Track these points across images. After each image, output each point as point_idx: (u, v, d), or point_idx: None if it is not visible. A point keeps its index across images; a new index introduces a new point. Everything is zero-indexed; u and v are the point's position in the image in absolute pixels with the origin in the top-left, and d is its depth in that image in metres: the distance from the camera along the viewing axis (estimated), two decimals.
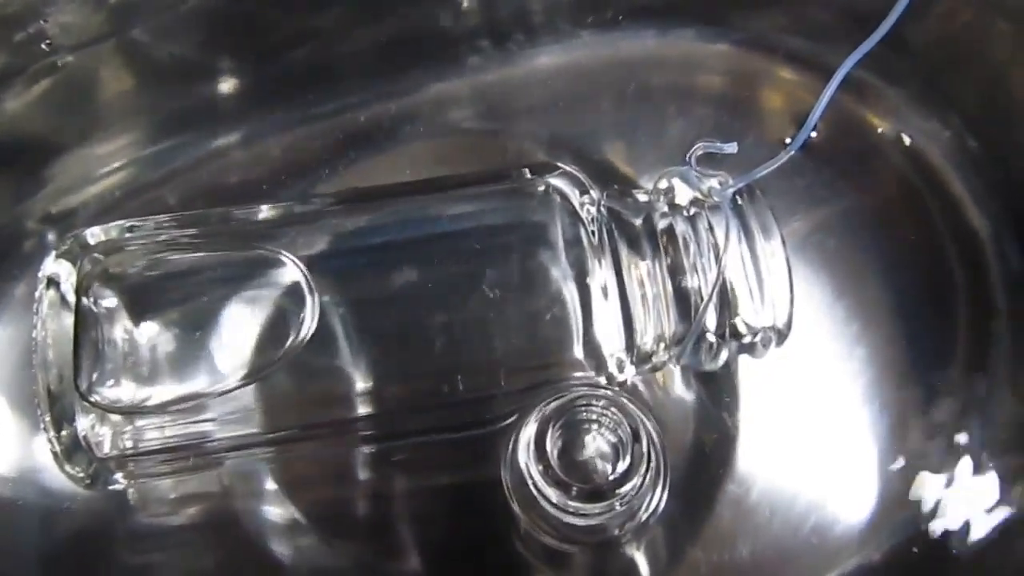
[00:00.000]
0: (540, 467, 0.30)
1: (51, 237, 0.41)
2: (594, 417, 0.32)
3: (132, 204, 0.42)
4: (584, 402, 0.31)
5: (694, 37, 0.44)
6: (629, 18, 0.44)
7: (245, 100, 0.43)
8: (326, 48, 0.44)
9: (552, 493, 0.30)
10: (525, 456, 0.31)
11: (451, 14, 0.43)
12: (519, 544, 0.36)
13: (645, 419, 0.31)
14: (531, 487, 0.31)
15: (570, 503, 0.30)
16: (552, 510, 0.31)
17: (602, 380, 0.34)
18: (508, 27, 0.44)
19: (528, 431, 0.31)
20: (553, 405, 0.31)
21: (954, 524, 0.37)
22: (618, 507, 0.30)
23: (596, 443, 0.33)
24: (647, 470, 0.30)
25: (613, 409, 0.31)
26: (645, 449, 0.30)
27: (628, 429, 0.31)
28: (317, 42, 0.43)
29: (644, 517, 0.31)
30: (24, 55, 0.39)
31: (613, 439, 0.32)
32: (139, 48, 0.41)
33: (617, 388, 0.34)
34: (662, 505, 0.31)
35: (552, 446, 0.31)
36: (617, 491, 0.30)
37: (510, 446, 0.32)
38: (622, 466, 0.30)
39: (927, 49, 0.42)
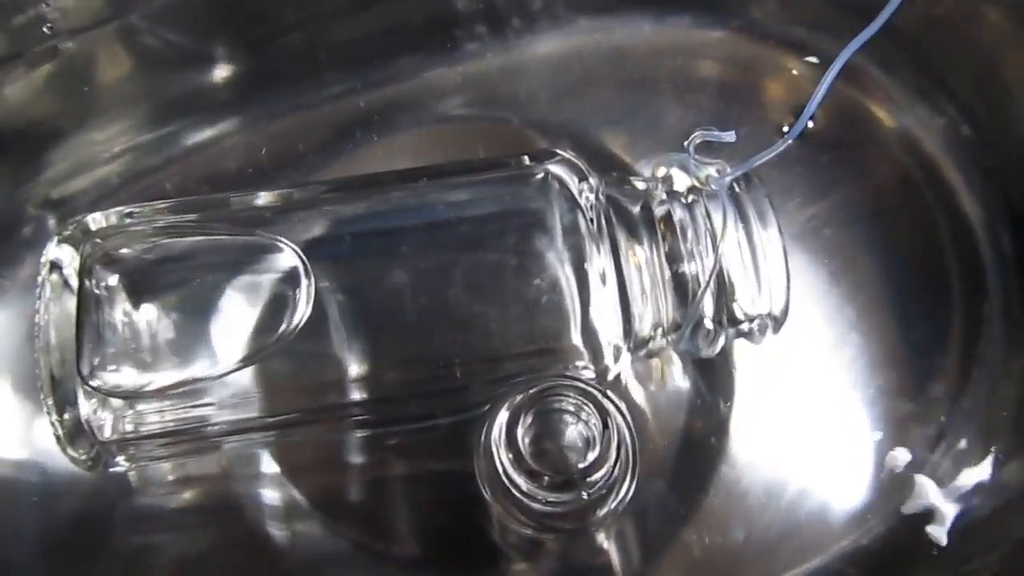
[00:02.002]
0: (510, 455, 0.31)
1: (51, 222, 0.41)
2: (565, 407, 0.32)
3: (131, 189, 0.42)
4: (555, 392, 0.32)
5: (691, 24, 0.44)
6: (627, 4, 0.44)
7: (243, 86, 0.44)
8: (324, 34, 0.44)
9: (522, 481, 0.31)
10: (496, 445, 0.31)
11: (449, 0, 0.43)
12: (494, 532, 0.37)
13: (616, 409, 0.31)
14: (501, 475, 0.31)
15: (539, 491, 0.31)
16: (522, 498, 0.31)
17: (590, 374, 0.34)
18: (506, 13, 0.44)
19: (500, 420, 0.31)
20: (524, 395, 0.31)
21: (945, 507, 0.37)
22: (586, 496, 0.31)
23: (567, 433, 0.34)
24: (617, 460, 0.31)
25: (583, 399, 0.32)
26: (615, 439, 0.31)
27: (598, 419, 0.31)
28: (315, 28, 0.43)
29: (613, 506, 0.32)
30: (24, 39, 0.39)
31: (584, 429, 0.33)
32: (138, 33, 0.41)
33: (594, 380, 0.34)
34: (631, 494, 0.32)
35: (523, 435, 0.31)
36: (587, 479, 0.31)
37: (482, 435, 0.32)
38: (592, 455, 0.31)
39: (921, 37, 0.42)
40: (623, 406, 0.32)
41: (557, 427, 0.33)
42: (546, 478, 0.31)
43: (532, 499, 0.31)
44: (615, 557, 0.37)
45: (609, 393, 0.32)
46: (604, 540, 0.37)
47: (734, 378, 0.39)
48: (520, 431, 0.31)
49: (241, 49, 0.43)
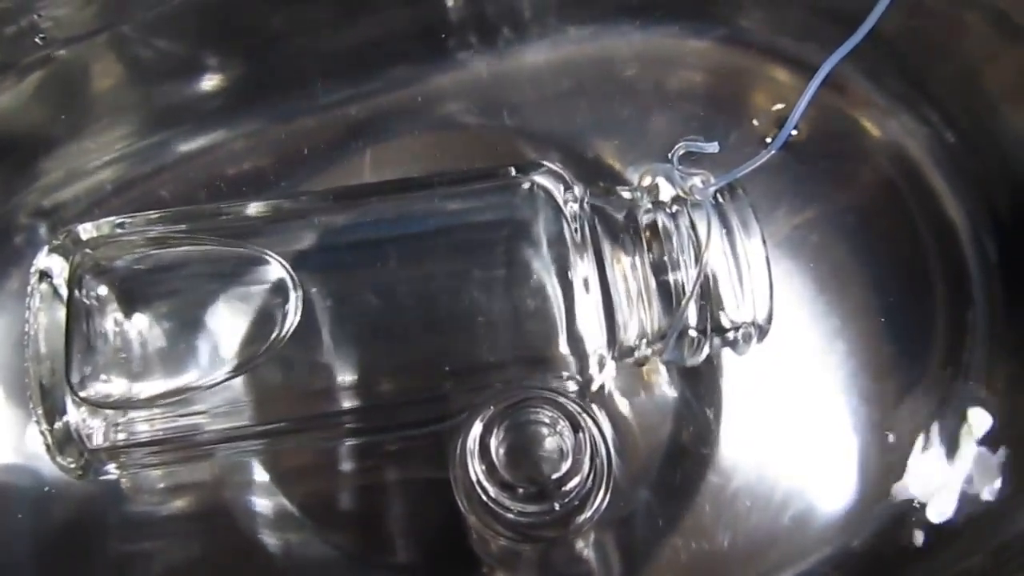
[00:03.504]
0: (483, 467, 0.31)
1: (43, 231, 0.42)
2: (540, 419, 0.33)
3: (123, 198, 0.42)
4: (528, 404, 0.32)
5: (679, 34, 0.44)
6: (615, 15, 0.44)
7: (235, 95, 0.44)
8: (315, 43, 0.44)
9: (495, 492, 0.31)
10: (470, 456, 0.31)
11: (440, 9, 0.44)
12: (472, 542, 0.37)
13: (591, 420, 0.32)
14: (476, 486, 0.31)
15: (512, 502, 0.31)
16: (496, 508, 0.31)
17: (575, 384, 0.35)
18: (497, 23, 0.44)
19: (473, 431, 0.32)
20: (497, 407, 0.32)
21: (928, 513, 0.37)
22: (558, 507, 0.31)
23: (541, 444, 0.34)
24: (591, 470, 0.31)
25: (556, 412, 0.32)
26: (587, 450, 0.31)
27: (571, 431, 0.31)
28: (306, 37, 0.44)
29: (588, 515, 0.32)
30: (17, 49, 0.39)
31: (558, 441, 0.33)
32: (131, 42, 0.41)
33: (580, 390, 0.35)
34: (606, 504, 0.32)
35: (496, 446, 0.31)
36: (560, 490, 0.31)
37: (457, 446, 0.32)
38: (564, 467, 0.31)
39: (904, 46, 0.42)
40: (599, 417, 0.32)
41: (531, 438, 0.33)
42: (520, 489, 0.31)
43: (506, 509, 0.31)
44: (599, 564, 0.37)
45: (582, 404, 0.32)
46: (583, 548, 0.37)
47: (720, 386, 0.39)
48: (493, 442, 0.31)
49: (233, 58, 0.43)
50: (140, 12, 0.40)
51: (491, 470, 0.31)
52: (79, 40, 0.40)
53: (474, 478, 0.31)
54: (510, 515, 0.31)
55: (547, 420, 0.32)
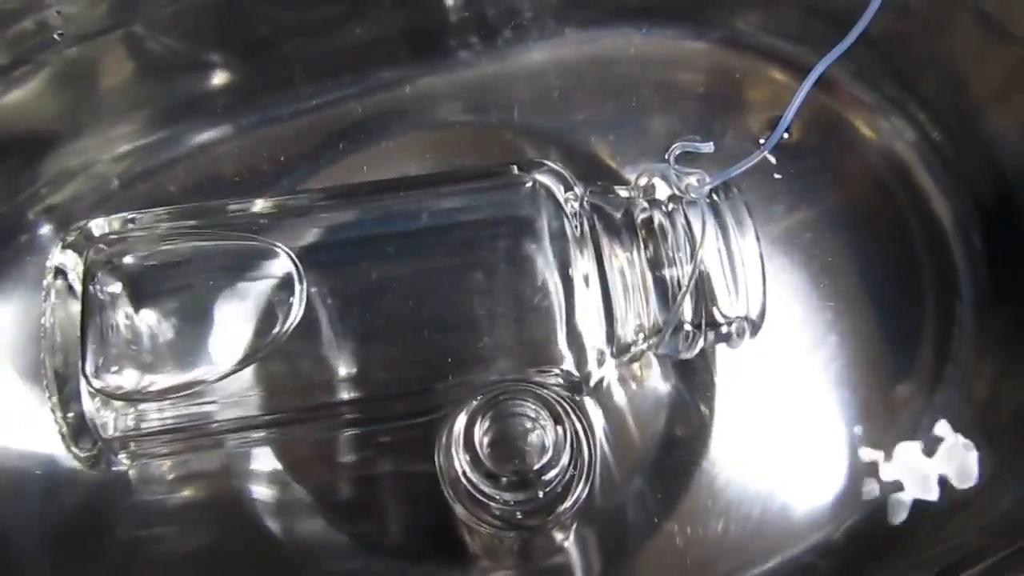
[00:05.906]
0: (467, 457, 0.32)
1: (51, 227, 0.42)
2: (524, 411, 0.33)
3: (130, 194, 0.43)
4: (512, 396, 0.33)
5: (676, 36, 0.45)
6: (613, 17, 0.45)
7: (241, 92, 0.44)
8: (320, 42, 0.44)
9: (479, 481, 0.32)
10: (455, 446, 0.32)
11: (441, 10, 0.44)
12: (459, 530, 0.37)
13: (573, 412, 0.32)
14: (460, 476, 0.32)
15: (495, 492, 0.32)
16: (481, 498, 0.32)
17: (562, 380, 0.35)
18: (497, 24, 0.45)
19: (458, 423, 0.32)
20: (481, 399, 0.32)
21: (915, 499, 0.38)
22: (541, 495, 0.32)
23: (523, 435, 0.34)
24: (571, 460, 0.32)
25: (538, 404, 0.32)
26: (568, 440, 0.32)
27: (552, 423, 0.32)
28: (311, 36, 0.44)
29: (569, 504, 0.32)
30: (28, 46, 0.39)
31: (540, 431, 0.33)
32: (139, 40, 0.42)
33: (567, 387, 0.35)
34: (586, 494, 0.32)
35: (480, 437, 0.32)
36: (542, 478, 0.32)
37: (443, 437, 0.33)
38: (545, 458, 0.32)
39: (893, 48, 0.43)
40: (582, 410, 0.32)
41: (515, 430, 0.34)
42: (503, 478, 0.32)
43: (490, 499, 0.32)
44: (582, 552, 0.38)
45: (565, 397, 0.33)
46: (570, 535, 0.38)
47: (714, 378, 0.40)
48: (478, 434, 0.32)
49: (238, 57, 0.44)
50: (146, 11, 0.41)
51: (475, 460, 0.32)
52: (91, 38, 0.40)
53: (459, 468, 0.32)
54: (494, 504, 0.32)
55: (531, 413, 0.33)
